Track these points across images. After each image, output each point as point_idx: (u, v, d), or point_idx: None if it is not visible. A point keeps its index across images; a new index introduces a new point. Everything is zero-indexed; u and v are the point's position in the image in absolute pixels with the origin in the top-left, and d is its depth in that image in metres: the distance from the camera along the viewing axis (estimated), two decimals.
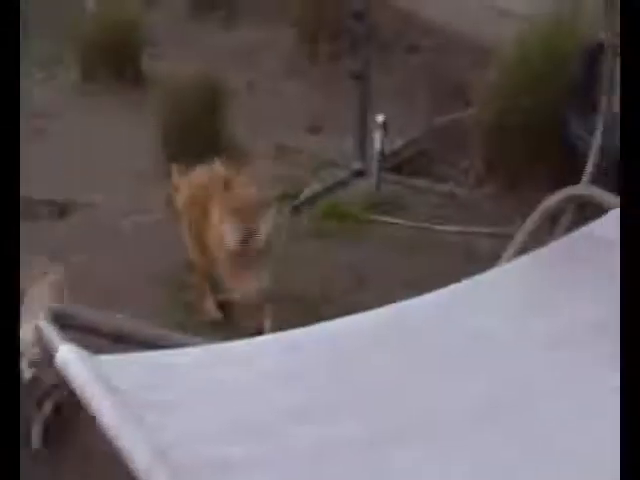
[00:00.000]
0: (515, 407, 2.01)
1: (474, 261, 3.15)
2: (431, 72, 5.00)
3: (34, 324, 2.75)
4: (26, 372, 2.72)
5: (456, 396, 2.17)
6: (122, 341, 2.64)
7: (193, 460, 1.93)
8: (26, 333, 2.68)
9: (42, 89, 5.19)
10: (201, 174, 3.28)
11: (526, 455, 1.84)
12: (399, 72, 5.12)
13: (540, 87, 3.95)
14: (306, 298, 3.20)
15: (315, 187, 4.06)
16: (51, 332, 2.33)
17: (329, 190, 4.03)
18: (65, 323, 2.43)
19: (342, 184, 4.08)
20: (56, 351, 2.25)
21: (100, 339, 2.55)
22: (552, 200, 2.83)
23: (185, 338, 2.79)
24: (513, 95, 3.98)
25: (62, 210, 3.95)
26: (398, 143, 4.27)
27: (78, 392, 2.12)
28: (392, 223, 3.76)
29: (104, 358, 2.26)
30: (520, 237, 2.98)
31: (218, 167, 3.11)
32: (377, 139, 3.98)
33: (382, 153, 3.97)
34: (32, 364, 2.73)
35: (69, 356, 2.20)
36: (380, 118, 4.00)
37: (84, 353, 2.23)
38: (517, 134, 3.90)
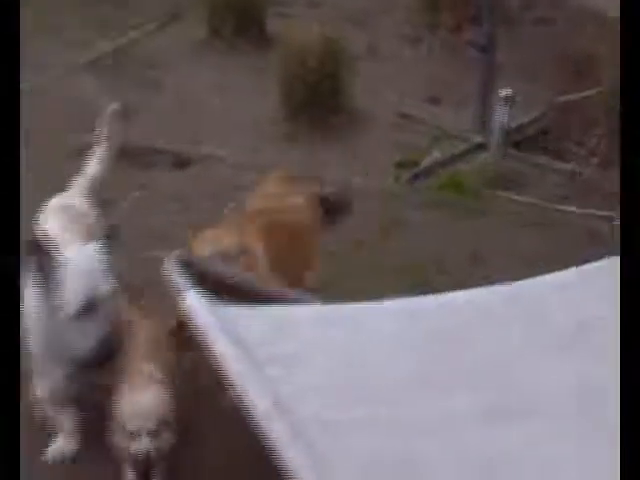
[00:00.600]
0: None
1: (594, 244, 3.09)
2: (559, 46, 4.86)
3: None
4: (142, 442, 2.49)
5: (563, 377, 2.16)
6: (239, 293, 2.70)
7: (309, 415, 1.98)
8: (143, 402, 2.55)
9: (169, 44, 5.28)
10: None
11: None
12: (524, 45, 5.00)
13: None
14: (421, 268, 3.20)
15: (435, 157, 4.03)
16: (179, 278, 2.41)
17: (449, 161, 3.99)
18: (189, 271, 2.51)
19: (462, 156, 4.03)
20: (184, 296, 2.33)
21: (220, 289, 2.61)
22: None
23: (300, 295, 2.83)
24: None
25: (183, 161, 4.04)
26: (521, 119, 4.17)
27: (202, 336, 2.19)
28: (511, 199, 3.70)
29: (227, 308, 2.32)
30: None
31: None
32: (501, 113, 3.89)
33: (506, 128, 3.89)
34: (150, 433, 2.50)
35: (195, 302, 2.28)
36: (505, 92, 3.91)
37: (209, 301, 2.30)
38: None
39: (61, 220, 2.82)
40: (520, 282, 2.59)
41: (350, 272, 3.18)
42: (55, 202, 2.95)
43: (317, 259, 2.96)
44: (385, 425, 1.99)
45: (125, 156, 3.99)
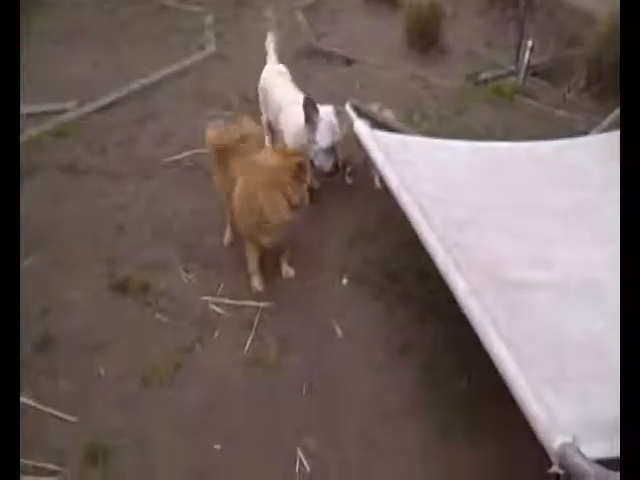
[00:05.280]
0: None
1: (572, 133, 2.70)
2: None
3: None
4: None
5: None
6: (383, 126, 2.48)
7: (422, 192, 1.83)
8: None
9: (344, 1, 4.75)
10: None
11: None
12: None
13: None
14: (477, 133, 2.89)
15: (487, 75, 3.58)
16: (352, 113, 2.23)
17: (495, 78, 3.55)
18: (358, 111, 2.32)
19: (503, 77, 3.57)
20: (353, 123, 2.16)
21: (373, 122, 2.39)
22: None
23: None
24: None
25: (349, 61, 3.73)
26: (538, 60, 3.61)
27: (363, 145, 2.05)
28: (529, 104, 3.29)
29: (376, 131, 2.16)
30: (600, 126, 2.54)
31: None
32: (526, 55, 3.40)
33: (528, 63, 3.40)
34: None
35: (361, 127, 2.12)
36: (529, 43, 3.38)
37: (367, 126, 2.13)
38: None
39: (282, 79, 2.52)
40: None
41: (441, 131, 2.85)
42: (271, 67, 2.55)
43: None
44: (471, 205, 1.84)
45: (318, 55, 3.75)
